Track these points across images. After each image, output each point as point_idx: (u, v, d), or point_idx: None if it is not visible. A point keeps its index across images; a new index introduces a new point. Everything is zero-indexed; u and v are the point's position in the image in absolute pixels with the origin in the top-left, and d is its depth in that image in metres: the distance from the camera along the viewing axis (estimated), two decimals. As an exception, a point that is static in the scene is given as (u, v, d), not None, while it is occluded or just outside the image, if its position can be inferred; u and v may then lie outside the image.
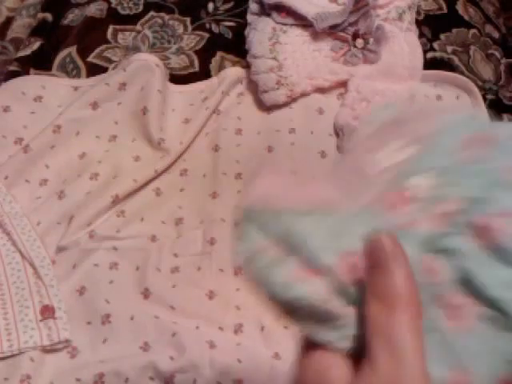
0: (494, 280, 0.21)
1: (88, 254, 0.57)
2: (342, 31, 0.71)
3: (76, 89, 0.70)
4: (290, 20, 0.72)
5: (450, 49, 0.77)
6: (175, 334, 0.53)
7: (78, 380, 0.50)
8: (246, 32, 0.74)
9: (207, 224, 0.60)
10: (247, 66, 0.71)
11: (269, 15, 0.73)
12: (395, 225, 0.23)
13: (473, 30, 0.79)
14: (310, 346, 0.24)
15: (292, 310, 0.23)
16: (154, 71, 0.68)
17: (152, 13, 0.79)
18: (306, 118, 0.68)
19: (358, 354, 0.22)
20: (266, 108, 0.69)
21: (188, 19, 0.78)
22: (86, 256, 0.57)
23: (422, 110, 0.27)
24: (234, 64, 0.74)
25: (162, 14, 0.79)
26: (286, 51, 0.69)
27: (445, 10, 0.81)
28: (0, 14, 0.82)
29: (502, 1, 0.87)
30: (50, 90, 0.69)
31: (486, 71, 0.76)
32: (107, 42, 0.75)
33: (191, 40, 0.76)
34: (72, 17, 0.78)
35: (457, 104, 0.71)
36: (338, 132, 0.66)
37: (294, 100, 0.69)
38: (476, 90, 0.71)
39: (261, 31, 0.71)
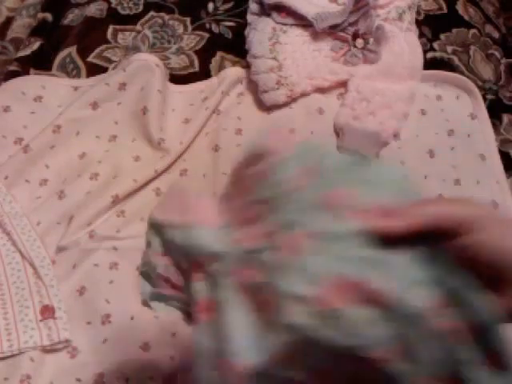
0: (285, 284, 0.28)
1: (88, 253, 0.57)
2: (341, 31, 0.71)
3: (76, 89, 0.70)
4: (290, 20, 0.72)
5: (450, 49, 0.77)
6: (175, 334, 0.53)
7: (78, 380, 0.50)
8: (245, 32, 0.74)
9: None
10: (247, 66, 0.71)
11: (269, 15, 0.73)
12: (231, 240, 0.31)
13: (473, 30, 0.79)
14: None
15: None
16: (154, 71, 0.68)
17: (152, 13, 0.79)
18: (306, 118, 0.68)
19: None
20: (266, 108, 0.69)
21: (188, 19, 0.78)
22: (86, 256, 0.57)
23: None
24: (233, 64, 0.74)
25: (162, 14, 0.79)
26: (286, 51, 0.69)
27: (445, 10, 0.81)
28: (0, 14, 0.82)
29: (502, 1, 0.87)
30: (50, 90, 0.69)
31: (486, 71, 0.76)
32: (107, 41, 0.75)
33: (191, 40, 0.76)
34: (72, 17, 0.78)
35: (457, 104, 0.71)
36: (338, 132, 0.66)
37: (294, 100, 0.69)
38: (476, 90, 0.71)
39: (261, 31, 0.71)
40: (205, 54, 0.74)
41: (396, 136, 0.67)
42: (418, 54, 0.71)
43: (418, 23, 0.77)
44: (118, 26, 0.77)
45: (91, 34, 0.75)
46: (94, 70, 0.72)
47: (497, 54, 0.78)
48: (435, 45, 0.77)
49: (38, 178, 0.62)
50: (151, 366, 0.51)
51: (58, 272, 0.55)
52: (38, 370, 0.50)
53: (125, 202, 0.62)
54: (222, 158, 0.65)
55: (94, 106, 0.66)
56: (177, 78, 0.72)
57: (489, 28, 0.81)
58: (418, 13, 0.79)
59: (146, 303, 0.36)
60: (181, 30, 0.77)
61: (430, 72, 0.72)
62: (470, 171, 0.65)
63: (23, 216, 0.59)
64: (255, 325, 0.29)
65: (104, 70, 0.72)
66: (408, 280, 0.28)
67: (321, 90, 0.69)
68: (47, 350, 0.51)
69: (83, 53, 0.73)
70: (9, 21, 0.80)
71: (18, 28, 0.79)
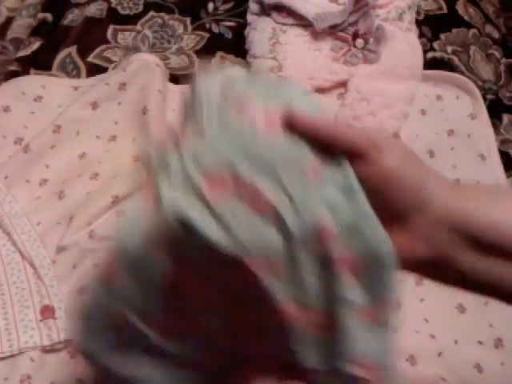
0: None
1: (88, 253, 0.57)
2: (341, 31, 0.71)
3: (76, 89, 0.70)
4: (290, 20, 0.72)
5: (449, 49, 0.77)
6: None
7: (78, 380, 0.50)
8: (245, 32, 0.74)
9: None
10: (247, 66, 0.71)
11: (269, 15, 0.73)
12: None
13: (473, 30, 0.79)
14: None
15: None
16: (154, 71, 0.68)
17: (152, 13, 0.79)
18: (306, 117, 0.68)
19: None
20: (266, 108, 0.69)
21: (188, 19, 0.78)
22: (86, 256, 0.57)
23: None
24: (234, 64, 0.74)
25: (162, 14, 0.79)
26: (286, 51, 0.69)
27: (445, 10, 0.81)
28: (0, 14, 0.82)
29: (502, 1, 0.87)
30: (50, 90, 0.69)
31: (486, 71, 0.76)
32: (107, 42, 0.75)
33: (191, 40, 0.76)
34: (72, 17, 0.78)
35: (457, 104, 0.71)
36: (338, 132, 0.66)
37: (294, 100, 0.68)
38: (476, 89, 0.71)
39: (261, 31, 0.71)
40: (205, 54, 0.74)
41: (396, 136, 0.67)
42: (417, 54, 0.71)
43: (418, 23, 0.77)
44: (118, 26, 0.77)
45: (91, 34, 0.75)
46: (94, 70, 0.72)
47: (497, 54, 0.78)
48: (435, 45, 0.77)
49: (38, 177, 0.62)
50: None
51: (58, 272, 0.55)
52: (38, 370, 0.50)
53: (125, 202, 0.62)
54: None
55: (94, 105, 0.66)
56: (177, 78, 0.72)
57: (489, 28, 0.81)
58: (418, 13, 0.79)
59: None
60: (181, 29, 0.77)
61: (430, 72, 0.72)
62: (470, 171, 0.65)
63: (23, 216, 0.59)
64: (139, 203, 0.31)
65: (104, 70, 0.72)
66: (311, 199, 0.29)
67: (321, 90, 0.69)
68: (47, 350, 0.51)
69: (83, 53, 0.73)
70: (9, 21, 0.80)
71: (18, 28, 0.79)
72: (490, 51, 0.78)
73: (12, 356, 0.50)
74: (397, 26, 0.72)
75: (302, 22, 0.72)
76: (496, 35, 0.81)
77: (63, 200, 0.60)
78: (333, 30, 0.71)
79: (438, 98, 0.71)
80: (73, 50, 0.74)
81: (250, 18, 0.75)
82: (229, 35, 0.77)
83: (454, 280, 0.31)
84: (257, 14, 0.75)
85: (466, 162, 0.66)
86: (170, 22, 0.78)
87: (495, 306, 0.35)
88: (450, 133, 0.68)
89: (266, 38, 0.70)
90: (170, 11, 0.79)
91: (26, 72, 0.71)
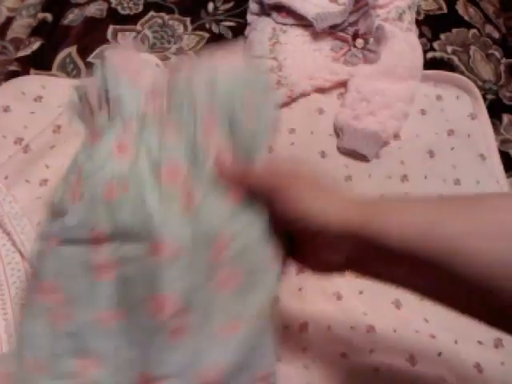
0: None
1: (88, 254, 0.57)
2: (341, 31, 0.71)
3: (76, 89, 0.70)
4: (290, 20, 0.72)
5: (449, 49, 0.77)
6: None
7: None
8: (245, 32, 0.74)
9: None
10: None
11: (269, 15, 0.73)
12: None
13: (473, 30, 0.79)
14: None
15: None
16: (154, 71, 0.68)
17: (152, 13, 0.79)
18: (306, 118, 0.68)
19: None
20: (266, 108, 0.69)
21: (188, 19, 0.78)
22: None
23: None
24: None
25: (162, 14, 0.79)
26: (286, 51, 0.69)
27: (445, 10, 0.81)
28: (0, 14, 0.82)
29: (502, 1, 0.87)
30: (50, 90, 0.69)
31: (486, 71, 0.76)
32: (107, 42, 0.75)
33: (191, 40, 0.76)
34: (72, 17, 0.78)
35: (457, 104, 0.71)
36: (338, 132, 0.66)
37: (294, 100, 0.69)
38: (476, 89, 0.71)
39: (261, 31, 0.71)
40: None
41: (396, 136, 0.67)
42: (418, 54, 0.71)
43: (418, 23, 0.77)
44: (118, 26, 0.77)
45: (91, 34, 0.75)
46: (94, 70, 0.72)
47: (497, 54, 0.78)
48: (435, 45, 0.77)
49: (38, 177, 0.62)
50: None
51: (57, 272, 0.55)
52: (38, 370, 0.50)
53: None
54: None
55: (94, 106, 0.66)
56: (177, 78, 0.72)
57: (489, 28, 0.81)
58: (418, 13, 0.79)
59: None
60: (181, 30, 0.77)
61: (430, 72, 0.72)
62: (470, 171, 0.65)
63: (23, 216, 0.59)
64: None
65: (104, 70, 0.72)
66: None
67: (321, 90, 0.69)
68: (47, 350, 0.51)
69: (83, 53, 0.73)
70: (9, 21, 0.80)
71: (18, 28, 0.79)
72: (490, 51, 0.78)
73: (12, 356, 0.50)
74: (397, 25, 0.72)
75: (302, 21, 0.72)
76: (496, 35, 0.81)
77: (63, 200, 0.60)
78: (333, 30, 0.71)
79: (438, 97, 0.71)
80: (73, 50, 0.74)
81: (249, 18, 0.75)
82: (229, 35, 0.77)
83: (376, 279, 0.36)
84: (257, 14, 0.75)
85: (466, 162, 0.66)
86: (170, 22, 0.78)
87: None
88: (450, 133, 0.68)
89: (266, 37, 0.71)
90: (169, 11, 0.79)
91: (26, 72, 0.71)
